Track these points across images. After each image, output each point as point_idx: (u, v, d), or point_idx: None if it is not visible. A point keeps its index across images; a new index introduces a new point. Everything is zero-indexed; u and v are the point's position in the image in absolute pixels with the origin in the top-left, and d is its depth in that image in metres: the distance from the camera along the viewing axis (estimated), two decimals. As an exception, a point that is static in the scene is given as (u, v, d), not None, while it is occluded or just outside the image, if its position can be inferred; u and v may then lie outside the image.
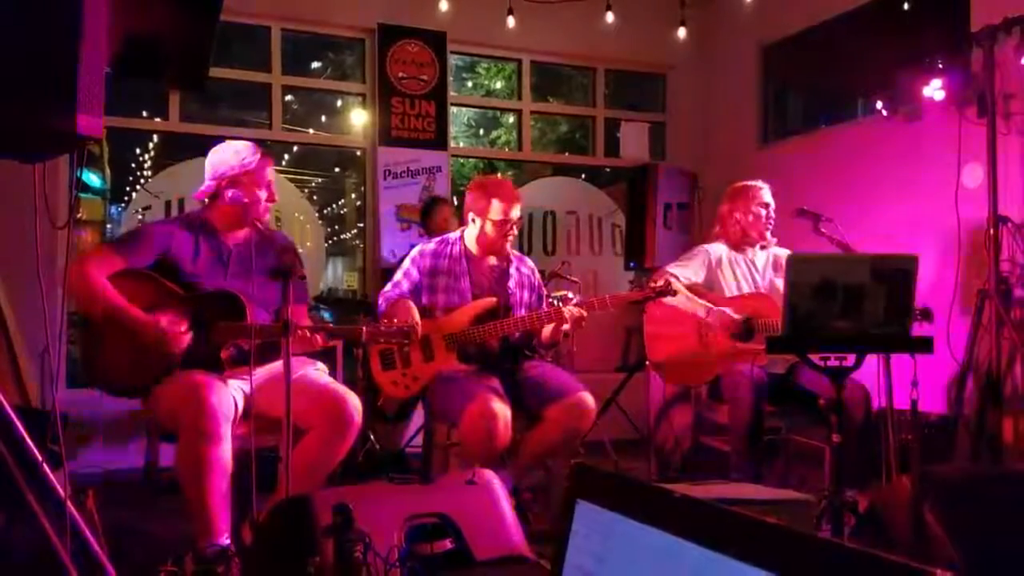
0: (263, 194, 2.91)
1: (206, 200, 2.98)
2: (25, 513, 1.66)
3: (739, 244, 3.76)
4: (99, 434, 4.52)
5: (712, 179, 5.87)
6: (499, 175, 7.90)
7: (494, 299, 3.36)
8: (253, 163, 2.89)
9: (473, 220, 3.37)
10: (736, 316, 3.47)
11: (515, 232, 3.43)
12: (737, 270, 3.71)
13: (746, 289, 3.66)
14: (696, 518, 0.81)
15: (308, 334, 2.77)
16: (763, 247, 3.77)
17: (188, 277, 2.86)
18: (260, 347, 2.68)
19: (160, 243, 2.86)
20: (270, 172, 2.95)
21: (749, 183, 3.81)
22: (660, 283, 3.28)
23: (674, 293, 3.36)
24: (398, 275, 3.46)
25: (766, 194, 3.75)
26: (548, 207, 6.08)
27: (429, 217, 4.97)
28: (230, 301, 2.79)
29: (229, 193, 2.87)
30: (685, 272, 3.65)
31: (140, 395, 2.84)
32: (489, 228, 3.34)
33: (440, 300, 3.36)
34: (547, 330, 3.31)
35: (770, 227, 3.75)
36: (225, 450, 2.57)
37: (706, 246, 3.81)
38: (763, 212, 3.72)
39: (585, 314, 3.21)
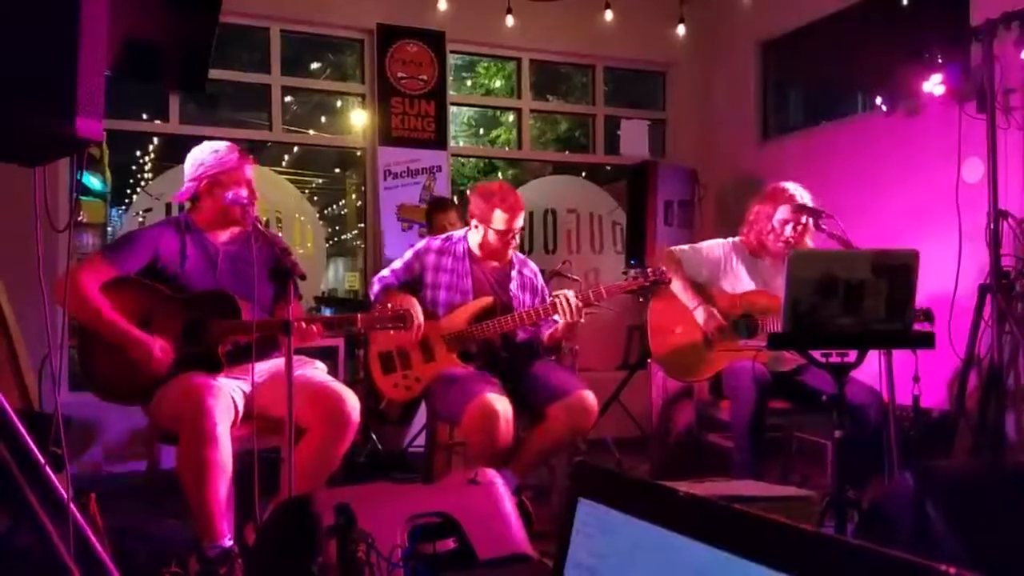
0: (244, 192, 2.90)
1: (187, 203, 2.99)
2: (28, 516, 1.66)
3: (757, 252, 3.62)
4: (101, 436, 4.52)
5: (713, 176, 5.87)
6: (499, 174, 7.92)
7: (490, 299, 3.36)
8: (231, 161, 2.89)
9: (476, 226, 3.38)
10: (715, 314, 3.47)
11: (516, 241, 3.43)
12: (750, 273, 3.60)
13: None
14: (699, 516, 0.81)
15: (304, 324, 2.78)
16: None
17: (179, 279, 2.87)
18: (257, 345, 2.69)
19: (149, 247, 2.87)
20: (249, 170, 2.94)
21: (783, 187, 3.56)
22: (657, 272, 3.28)
23: (669, 282, 3.35)
24: (397, 263, 3.47)
25: (788, 210, 3.48)
26: (548, 205, 6.08)
27: (431, 221, 4.95)
28: (224, 301, 2.80)
29: (229, 195, 2.87)
30: (686, 255, 3.63)
31: (131, 403, 2.85)
32: (491, 236, 3.34)
33: (442, 297, 3.37)
34: (556, 330, 3.32)
35: (783, 241, 3.50)
36: (224, 452, 2.57)
37: (720, 241, 3.70)
38: (782, 228, 3.50)
39: (580, 303, 3.19)
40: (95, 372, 2.82)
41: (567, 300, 3.16)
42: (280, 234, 4.49)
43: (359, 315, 2.93)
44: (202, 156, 2.92)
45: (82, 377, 2.87)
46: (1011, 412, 3.89)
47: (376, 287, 3.46)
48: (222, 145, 2.94)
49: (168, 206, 5.09)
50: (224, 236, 2.97)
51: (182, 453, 2.58)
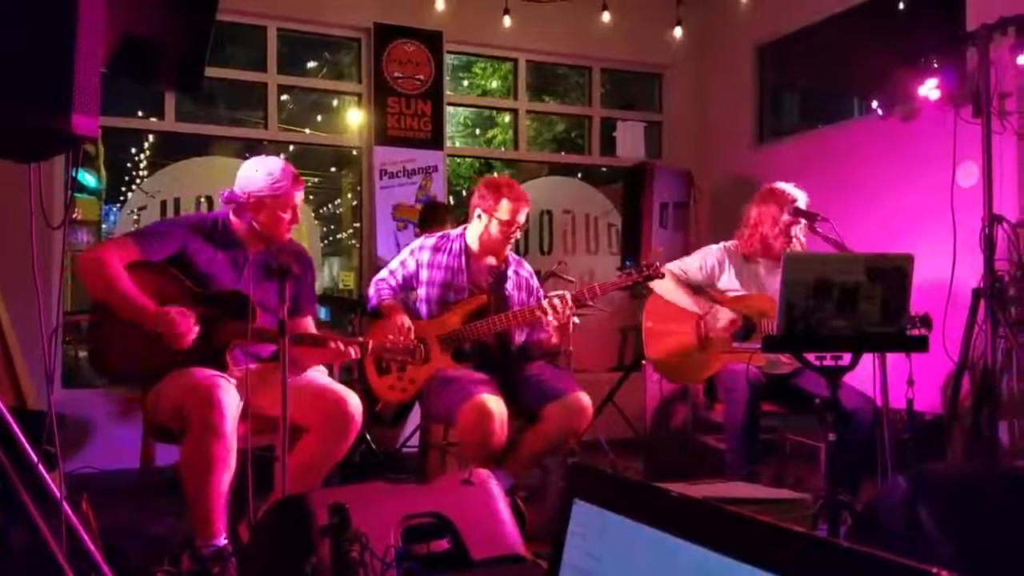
0: (287, 216, 2.91)
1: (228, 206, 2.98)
2: (21, 515, 1.66)
3: (755, 255, 3.62)
4: (94, 434, 4.51)
5: (708, 178, 5.88)
6: (495, 175, 7.92)
7: (484, 298, 3.37)
8: (282, 188, 2.89)
9: (479, 216, 3.37)
10: (733, 315, 3.47)
11: (518, 235, 3.43)
12: (739, 277, 3.61)
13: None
14: (693, 517, 0.81)
15: (342, 346, 2.82)
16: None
17: (201, 278, 2.87)
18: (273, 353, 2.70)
19: (177, 242, 2.88)
20: (299, 196, 2.95)
21: (783, 189, 3.57)
22: (650, 268, 3.28)
23: (662, 276, 3.35)
24: (394, 263, 3.48)
25: (791, 210, 3.50)
26: (544, 206, 6.08)
27: (426, 224, 4.92)
28: (240, 302, 2.80)
29: (256, 217, 2.88)
30: (682, 270, 3.64)
31: (143, 384, 2.84)
32: (494, 227, 3.34)
33: (436, 294, 3.37)
34: (549, 335, 3.34)
35: (795, 245, 3.53)
36: (232, 449, 2.57)
37: (712, 248, 3.71)
38: (787, 228, 3.51)
39: (571, 305, 3.19)
40: (108, 350, 2.82)
41: (558, 303, 3.17)
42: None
43: (370, 341, 2.96)
44: (257, 177, 2.90)
45: (91, 359, 2.88)
46: (1004, 416, 3.90)
47: (371, 292, 3.47)
48: (277, 169, 2.92)
49: (163, 203, 5.09)
50: (258, 248, 2.98)
51: (190, 447, 2.56)
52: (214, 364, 2.75)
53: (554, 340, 3.37)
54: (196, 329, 2.74)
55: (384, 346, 2.95)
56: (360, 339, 2.97)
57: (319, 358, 2.98)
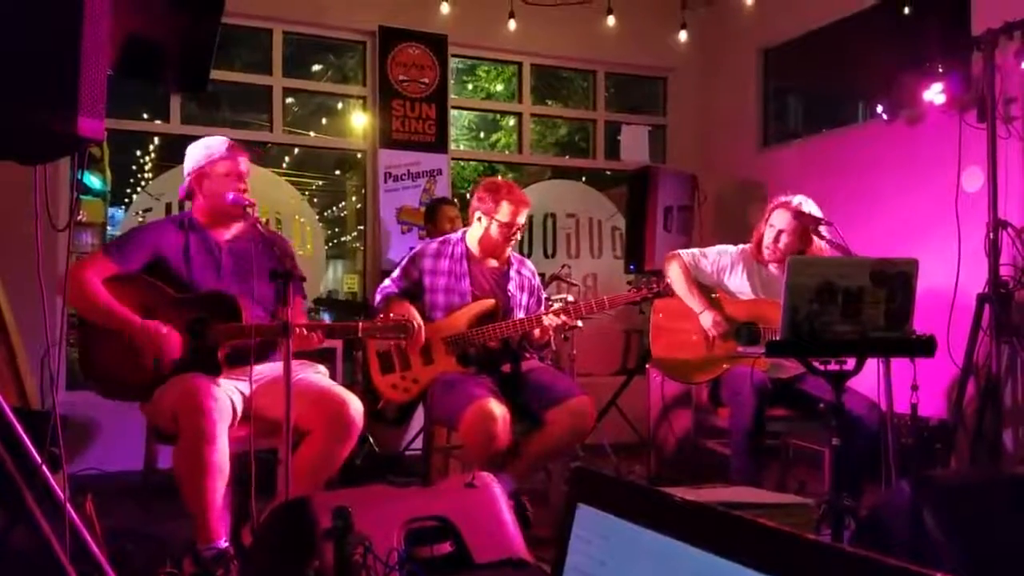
0: (233, 184, 2.90)
1: (188, 200, 3.01)
2: (25, 516, 1.66)
3: (762, 259, 3.63)
4: (98, 436, 4.52)
5: (713, 182, 5.88)
6: (499, 177, 7.93)
7: (492, 301, 3.37)
8: (217, 153, 2.90)
9: (479, 219, 3.38)
10: (720, 319, 3.47)
11: (518, 237, 3.44)
12: (751, 281, 3.61)
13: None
14: (696, 522, 0.81)
15: (305, 332, 2.78)
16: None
17: (182, 277, 2.87)
18: (258, 346, 2.68)
19: (150, 245, 2.88)
20: (243, 163, 2.94)
21: (784, 197, 3.60)
22: (659, 285, 3.30)
23: (671, 295, 3.37)
24: (396, 272, 3.48)
25: (780, 216, 3.53)
26: (548, 210, 6.08)
27: (433, 219, 4.94)
28: (225, 303, 2.79)
29: (230, 195, 2.88)
30: (694, 259, 3.65)
31: (131, 398, 2.84)
32: (495, 229, 3.35)
33: (441, 300, 3.37)
34: (537, 331, 3.35)
35: (770, 249, 3.55)
36: (222, 453, 2.57)
37: (730, 248, 3.71)
38: (767, 232, 3.55)
39: (563, 321, 3.24)
40: (97, 367, 2.82)
41: (552, 322, 3.23)
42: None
43: (360, 323, 2.94)
44: (195, 152, 2.96)
45: (82, 373, 2.87)
46: (1008, 422, 3.89)
47: (378, 298, 3.47)
48: (215, 140, 2.97)
49: (168, 205, 5.10)
50: (227, 234, 2.98)
51: (180, 452, 2.57)
52: (208, 368, 2.75)
53: (546, 336, 3.39)
54: (179, 348, 2.74)
55: (375, 326, 2.93)
56: (322, 323, 2.95)
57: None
